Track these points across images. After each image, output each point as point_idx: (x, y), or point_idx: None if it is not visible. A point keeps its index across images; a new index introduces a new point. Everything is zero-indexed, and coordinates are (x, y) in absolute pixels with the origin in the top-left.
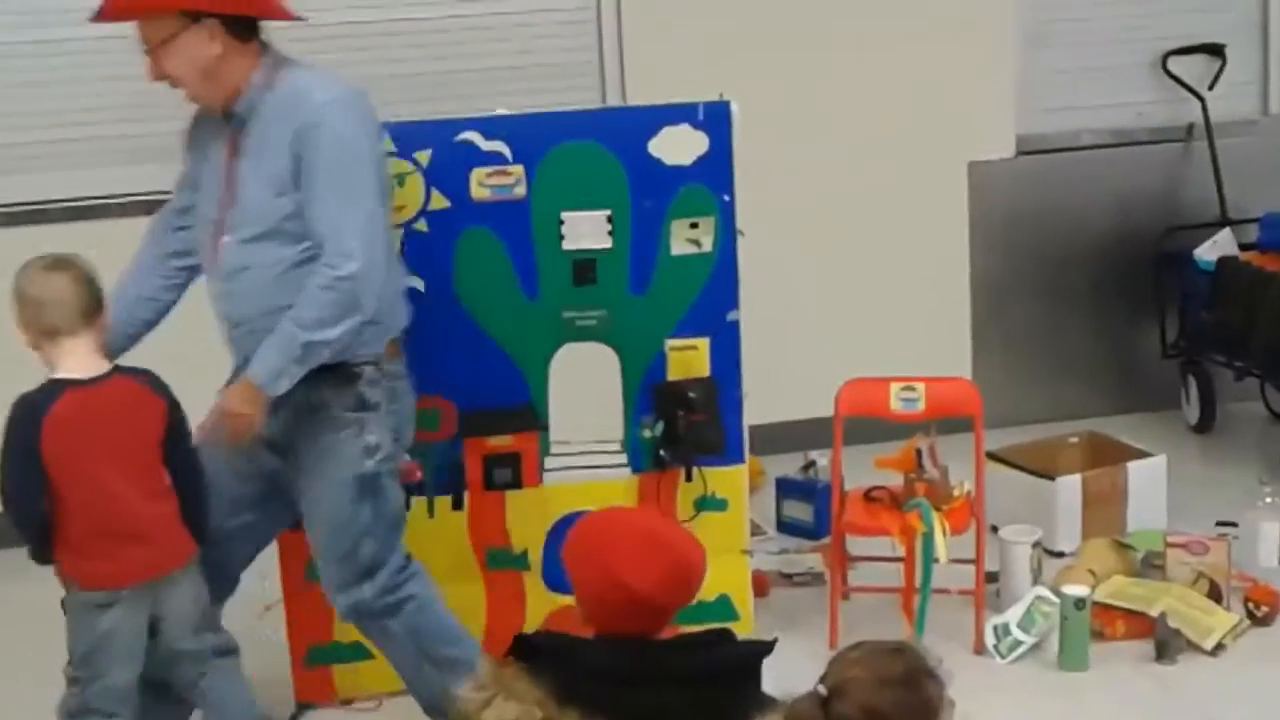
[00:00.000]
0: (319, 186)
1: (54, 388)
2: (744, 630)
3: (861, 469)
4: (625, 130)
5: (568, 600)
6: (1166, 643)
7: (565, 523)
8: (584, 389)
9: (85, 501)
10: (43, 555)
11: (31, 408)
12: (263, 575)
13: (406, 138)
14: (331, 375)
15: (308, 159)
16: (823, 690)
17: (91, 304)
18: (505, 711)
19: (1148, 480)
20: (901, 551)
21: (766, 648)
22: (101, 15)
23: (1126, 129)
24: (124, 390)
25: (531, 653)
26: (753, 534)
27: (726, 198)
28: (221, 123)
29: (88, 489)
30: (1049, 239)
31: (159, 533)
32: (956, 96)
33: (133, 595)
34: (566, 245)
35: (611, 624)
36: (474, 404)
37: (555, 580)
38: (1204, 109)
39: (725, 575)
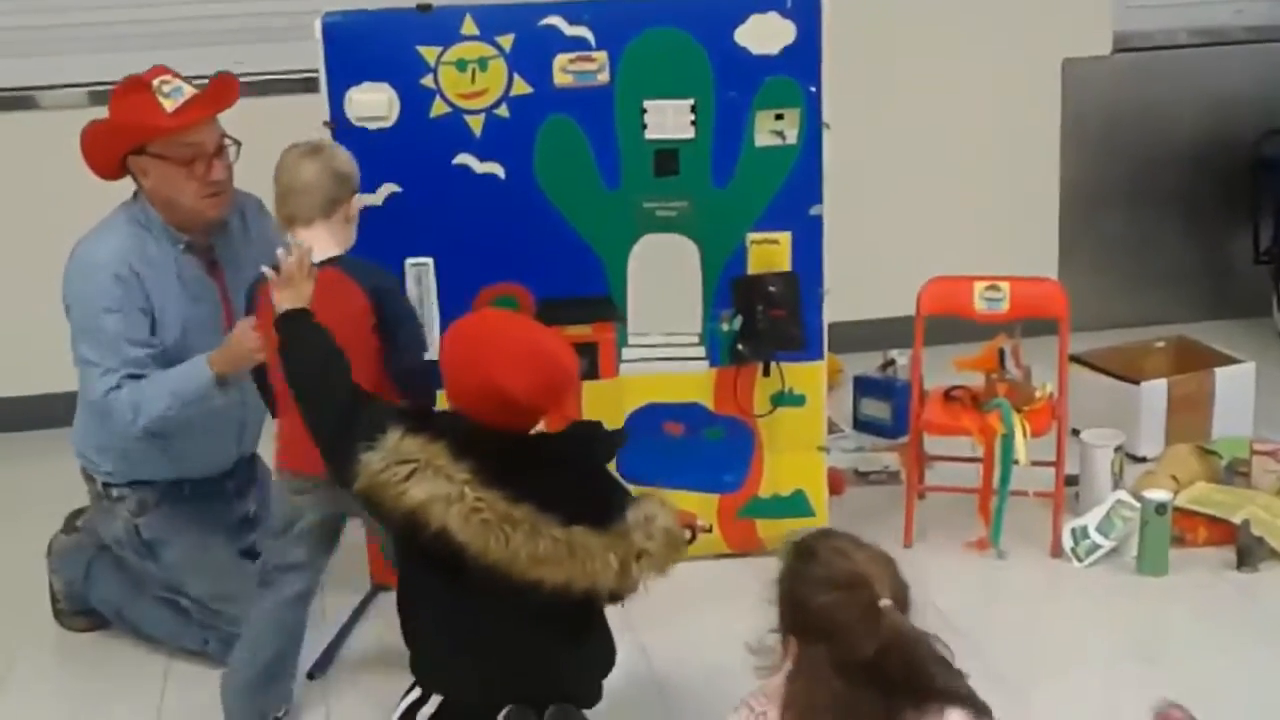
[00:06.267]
0: None
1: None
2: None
3: (941, 370)
4: (712, 18)
5: (645, 489)
6: (1249, 550)
7: (640, 414)
8: (663, 281)
9: (279, 382)
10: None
11: (252, 284)
12: None
13: (489, 21)
14: None
15: None
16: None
17: (331, 198)
18: (435, 487)
19: (1235, 387)
20: (980, 452)
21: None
22: (203, 107)
23: (1226, 27)
24: (323, 279)
25: (426, 426)
26: (830, 431)
27: (813, 89)
28: (178, 249)
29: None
30: (1143, 139)
31: None
32: None
33: (319, 485)
34: (649, 135)
35: (485, 418)
36: (551, 292)
37: (630, 470)
38: None
39: (801, 471)
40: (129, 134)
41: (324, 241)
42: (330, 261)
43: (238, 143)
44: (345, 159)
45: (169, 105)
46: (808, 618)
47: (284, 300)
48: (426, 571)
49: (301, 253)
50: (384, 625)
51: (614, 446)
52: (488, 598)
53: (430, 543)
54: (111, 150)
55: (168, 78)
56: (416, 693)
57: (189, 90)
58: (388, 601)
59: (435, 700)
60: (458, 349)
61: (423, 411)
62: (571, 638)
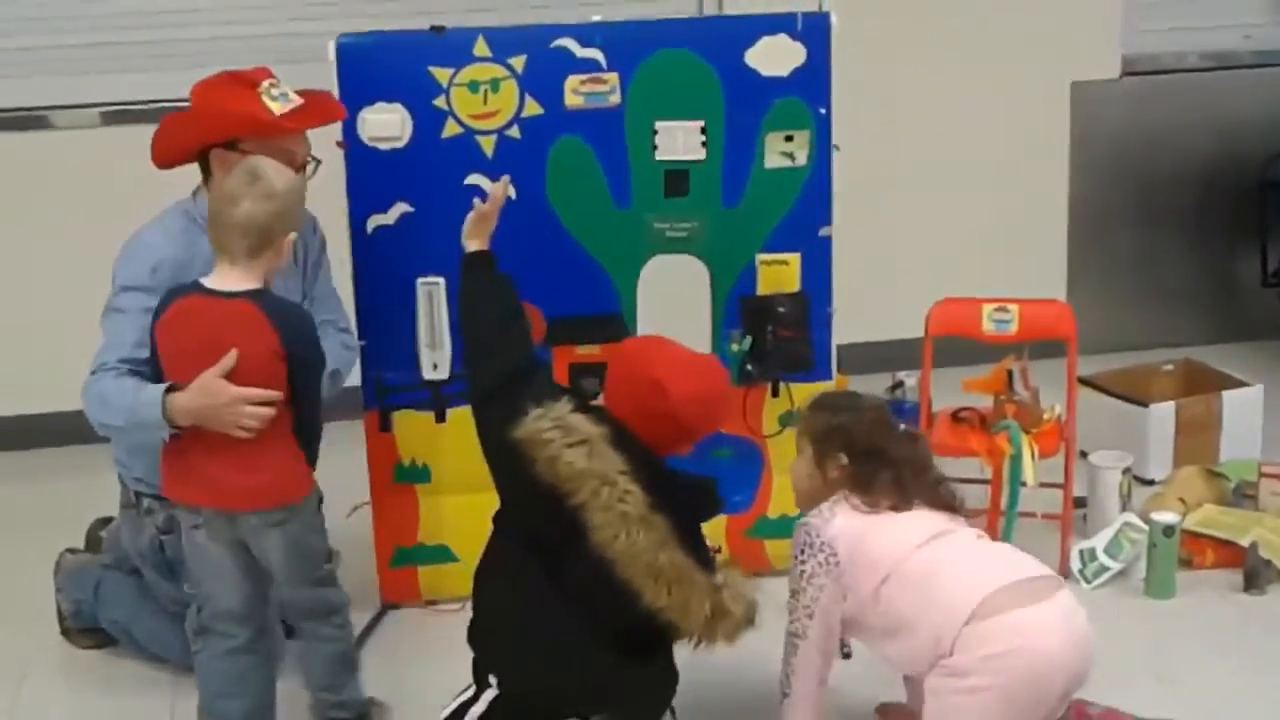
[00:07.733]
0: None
1: (186, 289)
2: None
3: (950, 391)
4: (722, 39)
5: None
6: (1256, 572)
7: None
8: (673, 301)
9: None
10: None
11: (160, 302)
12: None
13: (501, 43)
14: None
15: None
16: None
17: (259, 241)
18: (595, 464)
19: (1243, 409)
20: (988, 473)
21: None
22: (313, 115)
23: (1234, 51)
24: (238, 311)
25: (591, 411)
26: None
27: (823, 111)
28: None
29: None
30: (1151, 162)
31: (226, 466)
32: (1061, 14)
33: (212, 518)
34: (659, 155)
35: (636, 424)
36: (562, 312)
37: None
38: None
39: None
40: (233, 124)
41: (241, 276)
42: (255, 296)
43: (318, 161)
44: (281, 204)
45: (276, 108)
46: (858, 433)
47: (469, 235)
48: (527, 551)
49: (508, 186)
50: (393, 646)
51: (719, 510)
52: (577, 595)
53: (554, 516)
54: (201, 136)
55: (275, 81)
56: (470, 691)
57: (294, 97)
58: (396, 622)
59: (486, 699)
60: (630, 350)
61: (586, 397)
62: (642, 655)
